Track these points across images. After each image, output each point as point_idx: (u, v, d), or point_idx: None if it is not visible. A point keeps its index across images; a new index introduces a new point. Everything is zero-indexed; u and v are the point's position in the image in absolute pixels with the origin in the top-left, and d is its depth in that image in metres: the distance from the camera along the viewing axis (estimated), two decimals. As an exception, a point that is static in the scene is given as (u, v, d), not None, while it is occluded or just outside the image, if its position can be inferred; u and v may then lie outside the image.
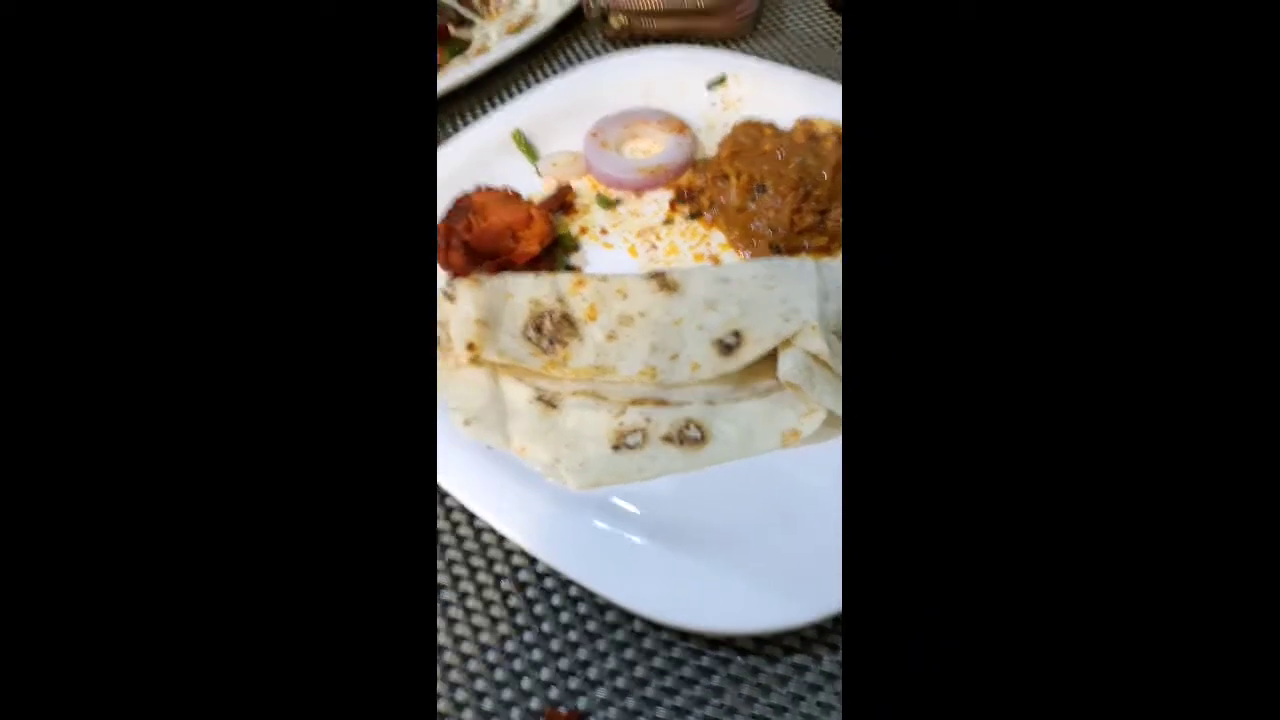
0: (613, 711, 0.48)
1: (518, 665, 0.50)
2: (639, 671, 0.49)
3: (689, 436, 0.57)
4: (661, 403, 0.60)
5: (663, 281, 0.64)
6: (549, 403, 0.60)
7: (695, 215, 0.73)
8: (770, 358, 0.59)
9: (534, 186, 0.77)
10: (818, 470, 0.54)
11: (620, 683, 0.49)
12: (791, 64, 0.89)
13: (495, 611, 0.52)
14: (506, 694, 0.49)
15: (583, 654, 0.50)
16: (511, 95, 0.91)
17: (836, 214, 0.68)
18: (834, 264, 0.67)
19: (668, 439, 0.57)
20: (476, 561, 0.55)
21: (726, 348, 0.60)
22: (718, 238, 0.72)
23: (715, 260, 0.70)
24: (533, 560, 0.54)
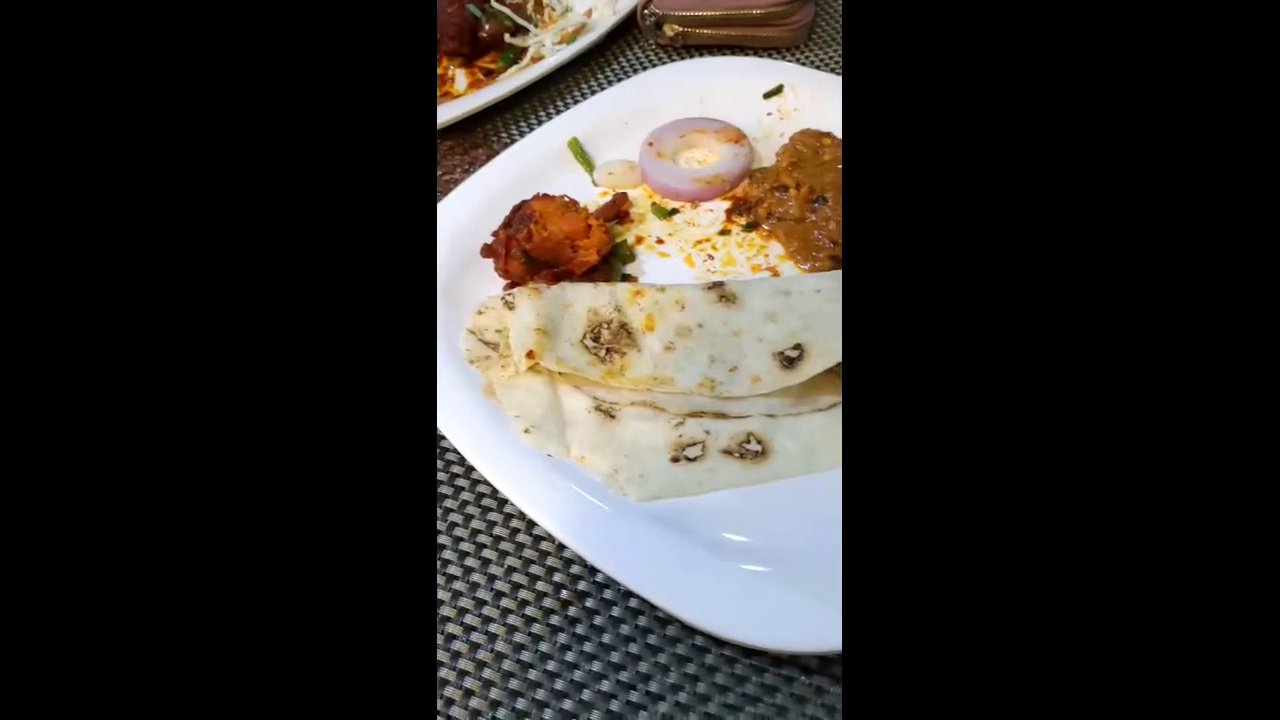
0: (674, 726, 0.48)
1: (578, 675, 0.50)
2: (701, 687, 0.49)
3: (749, 450, 0.57)
4: (721, 415, 0.60)
5: (721, 293, 0.64)
6: (607, 412, 0.60)
7: (752, 226, 0.73)
8: (832, 373, 0.59)
9: (589, 195, 0.77)
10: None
11: (683, 697, 0.48)
12: (847, 74, 0.88)
13: (554, 620, 0.52)
14: (567, 705, 0.49)
15: (644, 667, 0.50)
16: (566, 103, 0.92)
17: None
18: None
19: (728, 452, 0.57)
20: (536, 570, 0.55)
21: (788, 361, 0.59)
22: (775, 249, 0.71)
23: (774, 272, 0.70)
24: (593, 570, 0.54)
